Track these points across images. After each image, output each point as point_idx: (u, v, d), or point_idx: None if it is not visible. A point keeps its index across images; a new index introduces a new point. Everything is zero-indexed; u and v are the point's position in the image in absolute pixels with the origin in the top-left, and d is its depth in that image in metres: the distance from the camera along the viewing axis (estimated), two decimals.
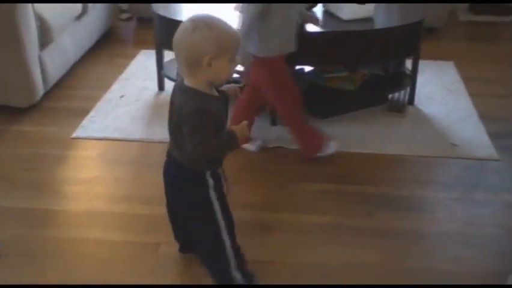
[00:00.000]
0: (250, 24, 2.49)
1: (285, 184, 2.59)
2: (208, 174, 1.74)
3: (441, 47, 4.07)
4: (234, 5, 3.25)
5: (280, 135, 2.96)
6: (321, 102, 3.18)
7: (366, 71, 3.22)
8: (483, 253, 2.17)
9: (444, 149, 2.85)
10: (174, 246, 2.14)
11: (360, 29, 2.99)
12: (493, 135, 2.96)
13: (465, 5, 4.89)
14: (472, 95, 3.40)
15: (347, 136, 2.95)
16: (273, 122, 3.07)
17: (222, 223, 1.78)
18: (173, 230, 2.04)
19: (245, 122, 1.76)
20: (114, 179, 2.61)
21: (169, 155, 1.83)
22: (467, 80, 3.60)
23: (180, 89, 1.71)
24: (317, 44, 2.96)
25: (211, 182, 1.75)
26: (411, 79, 3.25)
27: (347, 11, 3.01)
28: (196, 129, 1.63)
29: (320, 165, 2.71)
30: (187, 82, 1.69)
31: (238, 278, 1.82)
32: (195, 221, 1.82)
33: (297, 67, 3.22)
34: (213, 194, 1.76)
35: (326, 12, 3.15)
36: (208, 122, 1.63)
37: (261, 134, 2.96)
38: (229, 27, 1.65)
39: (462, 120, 3.11)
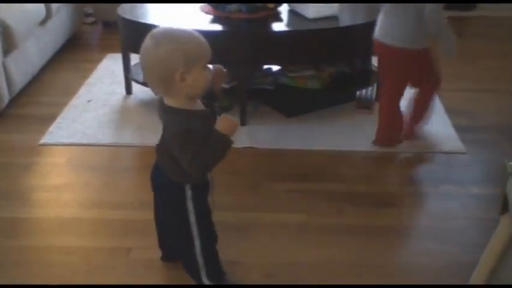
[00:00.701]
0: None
1: (256, 184, 2.59)
2: (188, 186, 1.72)
3: None
4: (200, 5, 3.24)
5: (250, 135, 2.97)
6: (289, 101, 3.20)
7: (332, 69, 3.24)
8: (454, 245, 2.20)
9: (413, 144, 2.88)
10: (146, 251, 2.13)
11: (325, 27, 3.01)
12: (460, 129, 3.00)
13: None
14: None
15: (315, 134, 2.97)
16: (243, 122, 3.07)
17: (195, 233, 1.77)
18: (158, 237, 2.02)
19: (223, 116, 1.62)
20: (83, 184, 2.58)
21: (157, 159, 1.78)
22: None
23: (162, 109, 1.64)
24: (283, 43, 2.97)
25: (189, 193, 1.72)
26: (378, 75, 3.27)
27: (312, 10, 3.03)
28: (185, 149, 1.57)
29: (290, 165, 2.72)
30: (166, 101, 1.61)
31: (208, 283, 1.85)
32: (172, 227, 1.82)
33: (264, 67, 3.23)
34: (190, 205, 1.73)
35: (291, 11, 3.16)
36: (195, 139, 1.57)
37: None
38: (192, 33, 1.56)
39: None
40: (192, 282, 1.90)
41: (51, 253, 2.14)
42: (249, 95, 3.07)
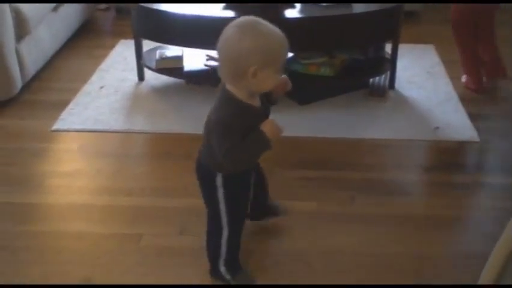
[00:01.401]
0: None
1: (268, 172, 2.55)
2: (220, 176, 1.73)
3: (421, 30, 4.07)
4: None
5: None
6: (301, 88, 3.17)
7: (345, 56, 3.21)
8: (466, 235, 2.19)
9: (426, 132, 2.86)
10: (157, 238, 2.14)
11: (338, 13, 2.98)
12: (473, 117, 2.97)
13: None
14: (452, 77, 3.41)
15: (328, 122, 2.95)
16: None
17: (224, 222, 1.80)
18: None
19: (271, 120, 1.63)
20: (95, 171, 2.59)
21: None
22: (447, 62, 3.61)
23: (220, 91, 1.64)
24: (296, 30, 2.94)
25: (219, 181, 1.74)
26: (391, 63, 3.25)
27: None
28: (223, 138, 1.59)
29: (302, 152, 2.71)
30: (228, 86, 1.62)
31: (223, 271, 1.90)
32: (207, 209, 1.87)
33: None
34: (220, 193, 1.76)
35: None
36: (235, 132, 1.57)
37: None
38: (277, 33, 1.54)
39: (442, 103, 3.12)
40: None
41: (61, 239, 2.16)
42: None
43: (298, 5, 3.11)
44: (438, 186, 2.47)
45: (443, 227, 2.22)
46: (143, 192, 2.43)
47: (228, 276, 1.91)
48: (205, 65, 3.24)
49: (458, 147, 2.75)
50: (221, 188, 1.75)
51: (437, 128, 2.88)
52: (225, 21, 2.97)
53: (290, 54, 3.24)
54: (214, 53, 3.23)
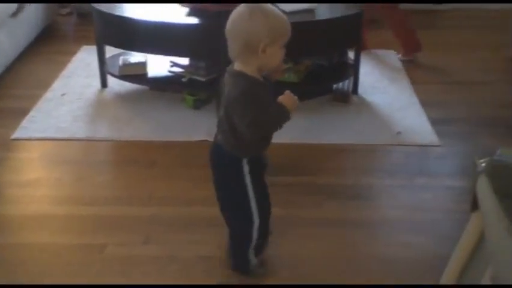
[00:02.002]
0: None
1: None
2: (245, 160, 1.78)
3: (382, 36, 4.11)
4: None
5: None
6: None
7: (309, 62, 3.24)
8: (428, 237, 2.22)
9: (389, 136, 2.90)
10: (121, 247, 2.11)
11: (302, 20, 3.00)
12: (435, 122, 3.02)
13: None
14: (413, 82, 3.47)
15: (293, 127, 2.93)
16: None
17: (254, 208, 1.84)
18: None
19: (288, 91, 1.75)
20: (56, 180, 2.55)
21: (215, 137, 1.86)
22: (408, 67, 3.67)
23: (230, 74, 1.73)
24: None
25: (246, 168, 1.79)
26: (354, 69, 3.28)
27: (290, 3, 3.01)
28: (246, 110, 1.66)
29: (272, 157, 2.70)
30: (237, 66, 1.71)
31: (252, 259, 1.95)
32: (230, 203, 1.90)
33: None
34: (248, 179, 1.81)
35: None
36: (256, 103, 1.67)
37: (206, 128, 2.94)
38: (282, 14, 1.68)
39: (404, 108, 3.17)
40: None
41: (23, 250, 2.11)
42: None
43: None
44: (402, 189, 2.50)
45: (409, 229, 2.25)
46: (107, 201, 2.39)
47: (256, 268, 1.97)
48: (170, 71, 3.23)
49: (420, 152, 2.79)
50: (248, 174, 1.80)
51: (400, 132, 2.92)
52: (189, 27, 3.00)
53: None
54: (178, 59, 3.22)
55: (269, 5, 1.68)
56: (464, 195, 2.44)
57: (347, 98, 3.24)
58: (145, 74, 3.23)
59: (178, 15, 3.06)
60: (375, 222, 2.30)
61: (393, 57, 3.83)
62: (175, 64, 3.23)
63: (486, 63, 3.79)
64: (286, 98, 1.72)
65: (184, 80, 3.14)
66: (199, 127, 2.97)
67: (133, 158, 2.73)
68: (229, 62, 3.22)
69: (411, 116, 3.08)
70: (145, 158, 2.72)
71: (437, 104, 3.23)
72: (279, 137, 2.65)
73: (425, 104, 3.20)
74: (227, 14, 3.00)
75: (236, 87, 1.68)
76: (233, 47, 1.68)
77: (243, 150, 1.79)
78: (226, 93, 1.72)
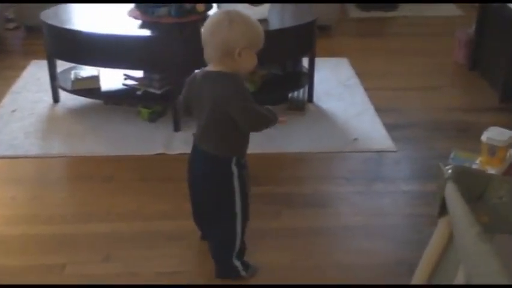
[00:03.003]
0: None
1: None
2: (233, 162, 1.86)
3: (335, 44, 4.19)
4: (128, 10, 3.16)
5: (184, 141, 2.93)
6: None
7: (264, 72, 3.25)
8: (388, 243, 2.25)
9: (345, 143, 2.94)
10: (81, 266, 2.07)
11: None
12: (389, 127, 3.08)
13: (353, 3, 5.06)
14: (367, 89, 3.53)
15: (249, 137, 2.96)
16: (176, 128, 3.02)
17: (239, 214, 1.92)
18: (194, 217, 2.12)
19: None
20: (10, 199, 2.47)
21: (195, 147, 1.93)
22: (361, 75, 3.72)
23: (208, 78, 1.81)
24: None
25: (235, 171, 1.87)
26: (309, 77, 3.32)
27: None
28: (247, 104, 1.78)
29: None
30: (215, 68, 1.79)
31: (238, 266, 2.00)
32: (215, 209, 1.94)
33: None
34: (236, 184, 1.88)
35: None
36: (250, 95, 1.80)
37: (162, 141, 2.92)
38: (257, 23, 1.80)
39: (360, 115, 3.22)
40: None
41: None
42: None
43: None
44: (360, 196, 2.54)
45: (368, 235, 2.28)
46: (64, 219, 2.34)
47: (243, 272, 2.01)
48: (124, 85, 3.18)
49: (377, 157, 2.84)
50: (236, 173, 1.87)
51: (356, 139, 2.96)
52: (142, 40, 2.97)
53: None
54: (131, 72, 3.18)
55: (246, 13, 1.79)
56: (421, 199, 2.51)
57: (303, 106, 3.26)
58: (98, 88, 3.18)
59: (131, 27, 3.03)
60: (335, 229, 2.33)
61: (346, 64, 3.88)
62: (128, 77, 3.19)
63: (434, 68, 3.89)
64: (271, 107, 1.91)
65: (138, 93, 3.10)
66: (156, 140, 2.94)
67: (89, 173, 2.68)
68: (183, 72, 3.22)
69: (367, 122, 3.13)
70: (101, 173, 2.67)
71: (390, 109, 3.29)
72: None
73: (379, 110, 3.26)
74: (180, 26, 3.01)
75: (227, 87, 1.77)
76: (210, 51, 1.78)
77: (231, 149, 1.87)
78: (212, 96, 1.78)
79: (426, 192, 2.55)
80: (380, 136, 3.01)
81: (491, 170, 2.35)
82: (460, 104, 3.41)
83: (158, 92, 3.07)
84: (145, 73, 3.14)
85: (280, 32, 3.10)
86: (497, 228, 1.26)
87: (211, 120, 1.81)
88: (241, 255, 2.01)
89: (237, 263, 2.00)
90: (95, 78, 3.18)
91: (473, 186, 1.27)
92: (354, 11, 4.99)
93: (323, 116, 3.22)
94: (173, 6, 3.02)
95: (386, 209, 2.46)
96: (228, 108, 1.76)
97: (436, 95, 3.51)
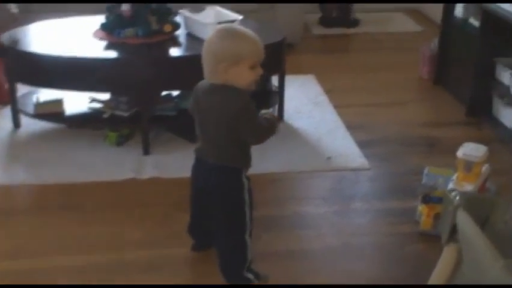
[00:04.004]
0: None
1: (166, 216, 2.48)
2: (244, 175, 1.92)
3: (301, 61, 4.17)
4: (93, 31, 3.07)
5: (155, 164, 2.85)
6: (192, 126, 3.10)
7: None
8: (370, 263, 2.23)
9: (319, 162, 2.91)
10: None
11: None
12: (361, 144, 3.06)
13: (316, 19, 5.08)
14: (336, 106, 3.51)
15: None
16: (146, 152, 2.94)
17: (248, 224, 1.95)
18: (193, 227, 2.15)
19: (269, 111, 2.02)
20: None
21: (200, 160, 1.97)
22: (329, 92, 3.71)
23: (209, 91, 1.86)
24: (182, 68, 2.90)
25: (246, 183, 1.93)
26: (279, 95, 3.28)
27: (210, 33, 2.96)
28: (252, 117, 1.84)
29: None
30: (215, 81, 1.84)
31: (250, 277, 1.98)
32: (224, 221, 1.95)
33: (164, 93, 3.13)
34: (246, 196, 1.93)
35: (189, 35, 3.09)
36: (254, 109, 1.86)
37: (132, 165, 2.83)
38: (250, 36, 1.83)
39: (331, 132, 3.20)
40: None
41: None
42: (151, 123, 2.96)
43: (183, 42, 3.06)
44: (339, 216, 2.50)
45: (351, 256, 2.25)
46: (31, 253, 2.22)
47: (255, 281, 2.00)
48: (89, 108, 3.08)
49: (352, 176, 2.81)
50: (246, 185, 1.93)
51: (330, 157, 2.94)
52: (108, 62, 2.88)
53: (177, 93, 3.18)
54: (96, 95, 3.09)
55: (240, 29, 1.86)
56: (399, 217, 2.50)
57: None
58: (62, 112, 3.06)
59: (97, 49, 2.94)
60: (316, 251, 2.28)
61: (314, 81, 3.87)
62: (94, 100, 3.09)
63: (399, 83, 3.91)
64: (270, 114, 1.98)
65: (105, 116, 3.00)
66: (125, 165, 2.85)
67: (57, 203, 2.56)
68: (152, 94, 3.14)
69: (339, 140, 3.11)
70: (69, 202, 2.56)
71: (360, 126, 3.28)
72: None
73: (350, 126, 3.25)
74: (147, 47, 2.94)
75: (234, 99, 1.81)
76: (204, 66, 1.84)
77: (242, 161, 1.93)
78: (219, 108, 1.83)
79: (403, 209, 2.54)
80: (352, 154, 2.99)
81: (468, 186, 2.36)
82: (428, 119, 3.43)
83: (125, 114, 2.98)
84: (111, 95, 3.05)
85: None
86: (503, 253, 1.24)
87: (220, 132, 1.86)
88: (250, 268, 2.01)
89: (249, 275, 1.99)
90: (59, 102, 3.07)
91: (480, 212, 1.25)
92: (316, 28, 5.01)
93: (294, 134, 3.19)
94: (140, 27, 2.95)
95: (365, 228, 2.43)
96: (235, 122, 1.81)
97: (404, 111, 3.53)
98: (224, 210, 1.94)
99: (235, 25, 1.92)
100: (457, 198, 1.24)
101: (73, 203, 2.55)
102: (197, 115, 1.93)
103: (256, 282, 2.00)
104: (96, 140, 3.04)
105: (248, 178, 1.96)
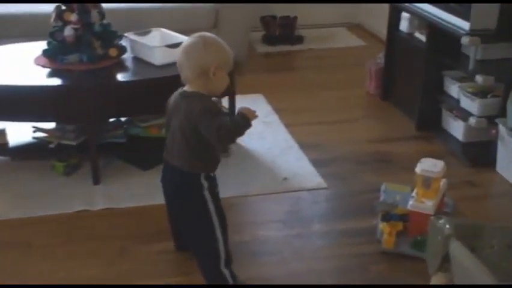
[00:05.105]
0: None
1: (124, 249, 2.38)
2: (202, 176, 2.01)
3: (248, 80, 4.12)
4: (34, 58, 2.94)
5: (106, 194, 2.73)
6: (143, 153, 3.02)
7: None
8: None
9: (275, 184, 2.87)
10: None
11: (175, 73, 2.88)
12: (316, 163, 3.04)
13: (259, 38, 5.07)
14: (287, 125, 3.48)
15: None
16: (96, 181, 2.82)
17: (216, 221, 2.02)
18: (171, 230, 2.27)
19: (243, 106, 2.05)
20: None
21: (167, 163, 2.09)
22: (279, 111, 3.68)
23: (183, 95, 2.02)
24: (131, 93, 2.81)
25: (205, 183, 2.02)
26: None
27: (158, 56, 2.90)
28: (213, 120, 1.91)
29: (157, 222, 2.52)
30: (189, 88, 2.01)
31: (226, 274, 2.03)
32: (191, 220, 2.04)
33: (111, 119, 3.02)
34: (207, 195, 2.02)
35: (136, 59, 2.99)
36: (218, 112, 1.99)
37: (82, 196, 2.71)
38: (227, 45, 2.02)
39: (284, 152, 3.17)
40: None
41: None
42: (100, 151, 2.84)
43: (131, 67, 2.96)
44: (300, 239, 2.47)
45: (318, 281, 2.22)
46: None
47: (230, 280, 2.04)
48: (34, 138, 2.94)
49: (309, 196, 2.78)
50: (206, 188, 2.02)
51: (286, 178, 2.91)
52: (54, 89, 2.75)
53: (124, 119, 3.08)
54: (41, 124, 2.95)
55: (216, 37, 2.04)
56: (360, 237, 2.48)
57: (227, 148, 3.16)
58: (6, 143, 2.91)
59: (39, 76, 2.80)
60: (280, 278, 2.24)
61: (262, 100, 3.84)
62: (38, 129, 2.95)
63: (348, 100, 3.92)
64: (246, 109, 2.02)
65: (51, 146, 2.87)
66: (75, 196, 2.72)
67: (4, 240, 2.42)
68: (100, 121, 3.01)
69: (293, 160, 3.08)
70: (17, 239, 2.43)
71: (313, 145, 3.26)
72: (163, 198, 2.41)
73: (303, 146, 3.22)
74: (93, 73, 2.83)
75: (196, 104, 1.94)
76: (187, 73, 1.99)
77: (201, 166, 2.02)
78: (184, 113, 1.96)
79: (363, 228, 2.52)
80: (308, 173, 2.96)
81: (428, 202, 2.37)
82: (380, 135, 3.45)
83: (73, 143, 2.86)
84: (57, 124, 2.92)
85: None
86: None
87: (181, 136, 1.97)
88: (228, 263, 2.04)
89: (225, 271, 2.03)
90: (2, 133, 2.91)
91: (469, 239, 1.23)
92: (261, 46, 4.99)
93: (248, 156, 3.14)
94: (84, 52, 2.84)
95: (328, 251, 2.40)
96: (196, 124, 1.92)
97: (354, 127, 3.54)
98: (187, 211, 2.04)
99: (209, 34, 2.05)
100: (447, 226, 1.21)
101: (22, 241, 2.41)
102: (167, 126, 2.09)
103: (231, 282, 2.04)
104: (42, 171, 2.89)
105: (212, 178, 2.06)
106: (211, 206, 2.02)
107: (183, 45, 2.02)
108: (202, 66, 1.96)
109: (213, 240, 2.02)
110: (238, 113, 2.01)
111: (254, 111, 2.03)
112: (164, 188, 2.13)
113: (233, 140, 2.05)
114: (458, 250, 1.15)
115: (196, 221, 2.03)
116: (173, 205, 2.13)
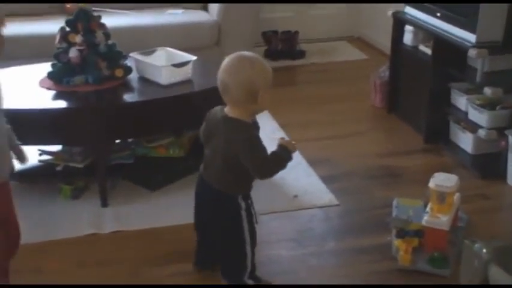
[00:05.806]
0: None
1: (135, 274, 2.34)
2: (240, 197, 2.05)
3: None
4: (39, 80, 2.91)
5: (115, 217, 2.70)
6: (151, 173, 2.98)
7: (193, 134, 3.09)
8: None
9: (286, 202, 2.84)
10: None
11: (180, 93, 2.87)
12: (326, 180, 3.01)
13: (261, 53, 5.05)
14: (294, 141, 3.44)
15: (185, 205, 2.75)
16: (104, 204, 2.78)
17: (247, 237, 2.07)
18: (198, 247, 2.26)
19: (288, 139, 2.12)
20: None
21: (203, 179, 2.11)
22: (284, 126, 3.65)
23: (224, 120, 2.00)
24: (138, 114, 2.79)
25: (243, 204, 2.06)
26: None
27: (165, 76, 2.87)
28: (256, 153, 1.95)
29: (168, 244, 2.50)
30: (232, 113, 1.99)
31: (250, 283, 2.12)
32: (224, 236, 2.10)
33: (118, 140, 2.99)
34: (244, 214, 2.06)
35: (142, 79, 2.97)
36: (261, 143, 1.98)
37: (91, 219, 2.67)
38: (267, 64, 2.00)
39: (294, 169, 3.10)
40: None
41: None
42: (107, 172, 2.80)
43: (137, 87, 2.94)
44: (316, 258, 2.43)
45: None
46: None
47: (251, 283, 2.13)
48: (40, 161, 2.91)
49: (322, 213, 2.75)
50: (243, 207, 2.05)
51: (296, 196, 2.87)
52: (60, 112, 2.72)
53: (130, 140, 3.05)
54: (46, 147, 2.92)
55: (258, 56, 2.02)
56: (377, 254, 2.44)
57: None
58: (12, 167, 2.86)
59: (45, 99, 2.78)
60: None
61: (268, 116, 3.81)
62: (44, 152, 2.92)
63: (354, 113, 3.90)
64: (287, 141, 2.06)
65: (58, 168, 2.84)
66: (83, 220, 2.69)
67: (13, 267, 2.36)
68: (107, 142, 2.97)
69: (302, 177, 3.05)
70: (27, 265, 2.38)
71: (322, 160, 3.23)
72: (174, 219, 2.40)
73: (312, 162, 3.19)
74: (99, 94, 2.80)
75: (238, 133, 1.95)
76: (233, 94, 1.95)
77: (239, 189, 2.06)
78: (224, 139, 1.97)
79: (378, 245, 2.49)
80: (318, 190, 2.93)
81: (443, 218, 2.34)
82: (387, 149, 3.42)
83: (80, 165, 2.83)
84: (63, 146, 2.89)
85: (206, 92, 2.96)
86: None
87: (221, 160, 1.99)
88: (252, 273, 2.13)
89: (250, 282, 2.12)
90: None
91: (507, 261, 1.19)
92: None
93: None
94: (89, 74, 2.81)
95: (344, 269, 2.37)
96: (237, 154, 1.93)
97: (362, 141, 3.51)
98: (222, 227, 2.08)
99: (249, 53, 2.01)
100: (484, 251, 1.18)
101: (31, 267, 2.38)
102: (206, 140, 2.10)
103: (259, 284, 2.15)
104: (50, 195, 2.86)
105: (248, 197, 2.09)
106: (245, 225, 2.06)
107: (227, 65, 1.97)
108: (251, 87, 1.93)
109: (242, 254, 2.08)
110: (279, 146, 2.02)
111: (294, 143, 2.05)
112: (199, 201, 2.16)
113: (275, 174, 2.06)
114: (499, 275, 1.12)
115: (229, 236, 2.09)
116: (207, 220, 2.14)
